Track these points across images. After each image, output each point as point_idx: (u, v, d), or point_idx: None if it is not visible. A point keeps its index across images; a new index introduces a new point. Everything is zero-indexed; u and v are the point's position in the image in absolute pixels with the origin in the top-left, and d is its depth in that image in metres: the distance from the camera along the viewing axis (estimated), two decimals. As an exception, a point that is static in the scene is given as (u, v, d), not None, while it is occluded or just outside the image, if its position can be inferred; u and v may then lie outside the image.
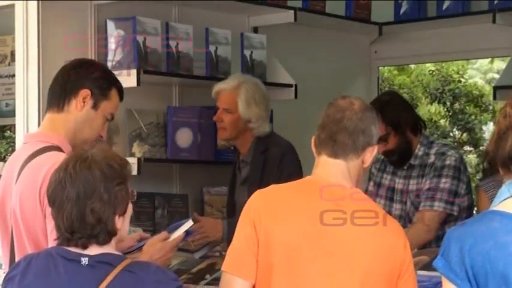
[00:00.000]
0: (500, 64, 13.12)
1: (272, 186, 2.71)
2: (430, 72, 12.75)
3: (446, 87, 12.76)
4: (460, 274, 2.13)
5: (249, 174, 4.07)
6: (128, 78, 4.02)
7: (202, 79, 4.40)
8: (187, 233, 2.95)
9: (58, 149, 2.75)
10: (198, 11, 4.62)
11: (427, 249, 3.64)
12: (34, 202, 2.64)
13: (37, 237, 2.65)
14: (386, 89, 11.89)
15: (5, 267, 2.81)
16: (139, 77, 4.01)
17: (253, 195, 2.65)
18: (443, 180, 3.93)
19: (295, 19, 4.84)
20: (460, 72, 12.99)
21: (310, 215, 2.57)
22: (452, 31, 5.41)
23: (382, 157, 4.18)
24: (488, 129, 13.18)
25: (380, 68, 6.14)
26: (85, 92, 2.82)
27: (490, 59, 13.87)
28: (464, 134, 13.06)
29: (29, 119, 4.05)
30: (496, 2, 5.08)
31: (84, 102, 2.82)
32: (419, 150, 4.04)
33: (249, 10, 4.85)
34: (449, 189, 3.93)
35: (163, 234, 2.91)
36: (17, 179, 2.73)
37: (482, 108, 12.79)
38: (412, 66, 12.58)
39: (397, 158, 4.06)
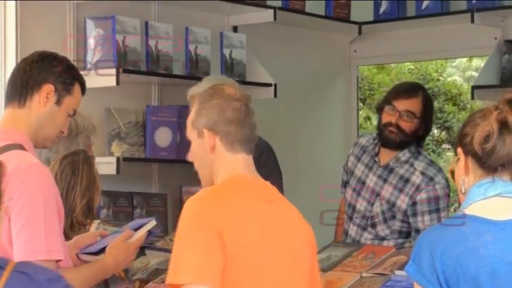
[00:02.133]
0: (478, 62, 13.18)
1: (208, 190, 2.55)
2: (409, 70, 12.80)
3: (425, 86, 12.83)
4: (431, 279, 2.13)
5: (226, 174, 4.07)
6: (107, 78, 4.02)
7: (182, 78, 4.40)
8: (150, 233, 2.90)
9: (20, 147, 2.64)
10: (178, 10, 4.61)
11: (405, 249, 3.65)
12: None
13: (2, 244, 2.53)
14: (365, 88, 11.92)
15: None
16: (119, 76, 4.00)
17: (199, 204, 2.46)
18: (443, 214, 3.85)
19: (275, 18, 4.84)
20: (439, 71, 13.05)
21: (265, 217, 2.53)
22: (431, 30, 5.43)
23: (362, 144, 4.12)
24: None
25: (359, 66, 6.15)
26: (48, 88, 2.70)
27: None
28: (443, 133, 13.12)
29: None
30: (474, 1, 5.10)
31: (47, 98, 2.70)
32: (403, 155, 3.95)
33: (228, 9, 4.85)
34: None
35: (127, 232, 2.85)
36: None
37: (460, 107, 12.85)
38: (392, 64, 12.61)
39: (397, 140, 3.93)
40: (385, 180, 3.98)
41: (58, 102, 2.72)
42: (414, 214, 3.87)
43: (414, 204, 3.87)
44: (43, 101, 2.69)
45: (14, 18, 4.01)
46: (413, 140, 3.97)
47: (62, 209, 2.65)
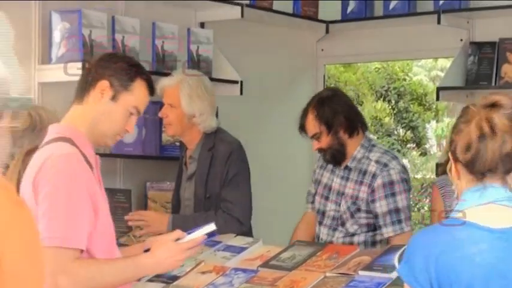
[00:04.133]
0: (444, 62, 13.26)
1: None
2: (376, 69, 12.85)
3: (391, 85, 12.88)
4: (424, 283, 2.12)
5: (195, 170, 4.07)
6: (73, 71, 3.97)
7: (148, 73, 4.36)
8: (208, 235, 2.78)
9: (68, 140, 2.64)
10: (145, 4, 4.58)
11: (368, 249, 3.66)
12: (29, 188, 2.59)
13: None
14: (332, 85, 11.95)
15: None
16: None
17: None
18: (398, 198, 3.91)
19: (242, 15, 4.83)
20: (405, 71, 13.12)
21: None
22: (398, 31, 5.46)
23: None
24: (431, 127, 13.31)
25: (326, 65, 6.16)
26: (103, 83, 2.71)
27: (434, 57, 14.00)
28: (408, 132, 13.19)
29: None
30: (441, 2, 5.13)
31: (102, 93, 2.71)
32: (358, 152, 3.99)
33: (196, 5, 4.83)
34: (407, 205, 3.95)
35: (176, 233, 2.77)
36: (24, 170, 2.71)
37: (425, 107, 12.93)
38: (358, 63, 12.66)
39: (330, 158, 4.02)
40: (347, 179, 4.02)
41: (114, 98, 2.72)
42: (373, 200, 3.92)
43: (373, 191, 3.92)
44: (98, 96, 2.71)
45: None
46: (340, 144, 3.98)
47: (103, 201, 2.69)
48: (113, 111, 2.72)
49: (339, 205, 4.02)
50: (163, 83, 4.06)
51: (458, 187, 2.23)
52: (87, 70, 2.80)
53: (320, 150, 4.02)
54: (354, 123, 4.02)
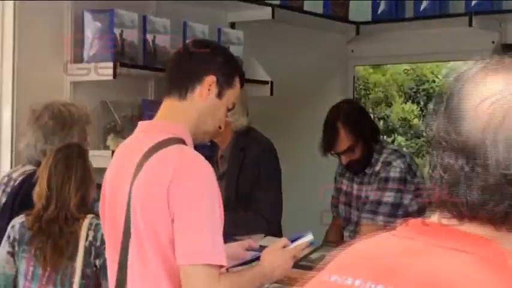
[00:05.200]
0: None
1: None
2: (405, 71, 12.80)
3: (420, 87, 12.82)
4: None
5: (227, 170, 4.07)
6: (104, 71, 4.01)
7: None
8: (309, 244, 2.79)
9: (181, 141, 2.43)
10: (176, 5, 4.60)
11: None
12: (161, 204, 2.31)
13: (163, 245, 2.32)
14: (361, 87, 11.92)
15: (110, 284, 2.47)
16: (116, 69, 3.99)
17: None
18: (387, 194, 3.93)
19: (273, 16, 4.84)
20: (435, 73, 13.04)
21: None
22: (429, 32, 5.43)
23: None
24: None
25: (356, 66, 6.15)
26: (211, 79, 2.50)
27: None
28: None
29: (2, 116, 4.04)
30: (473, 4, 5.10)
31: (209, 90, 2.50)
32: (373, 159, 4.02)
33: (227, 6, 4.85)
34: (392, 203, 3.93)
35: (283, 240, 2.70)
36: (136, 173, 2.38)
37: (455, 109, 12.85)
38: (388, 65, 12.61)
39: (361, 168, 4.03)
40: (363, 183, 4.07)
41: (219, 95, 2.53)
42: (376, 189, 3.98)
43: (373, 183, 3.99)
44: (205, 93, 2.50)
45: (12, 13, 4.00)
46: (370, 151, 4.00)
47: (222, 210, 2.41)
48: (217, 108, 2.54)
49: (361, 211, 4.05)
50: None
51: None
52: (185, 61, 2.54)
53: (351, 163, 4.00)
54: (377, 129, 4.09)
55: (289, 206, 4.28)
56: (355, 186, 4.10)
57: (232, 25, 4.97)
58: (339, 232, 4.26)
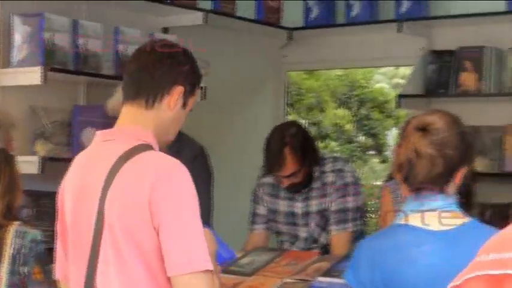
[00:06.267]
0: (405, 70, 13.35)
1: None
2: (338, 77, 12.91)
3: (352, 92, 12.95)
4: (369, 286, 2.15)
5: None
6: (32, 76, 3.96)
7: (110, 78, 4.36)
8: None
9: (152, 148, 2.34)
10: (108, 9, 4.57)
11: (328, 255, 3.69)
12: (142, 213, 2.22)
13: (146, 255, 2.24)
14: (294, 93, 11.98)
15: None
16: (46, 74, 3.94)
17: None
18: (350, 199, 3.99)
19: (205, 21, 4.84)
20: (367, 78, 13.20)
21: None
22: (360, 38, 5.50)
23: (269, 182, 4.14)
24: (392, 135, 13.40)
25: (289, 72, 6.18)
26: (179, 90, 2.39)
27: (396, 65, 14.09)
28: (369, 139, 13.27)
29: None
30: (402, 11, 5.18)
31: (176, 100, 2.39)
32: (316, 172, 4.02)
33: (159, 10, 4.83)
34: (356, 207, 4.00)
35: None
36: (108, 181, 2.29)
37: (386, 114, 13.02)
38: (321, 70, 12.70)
39: (301, 188, 4.03)
40: (309, 198, 4.07)
41: (184, 104, 2.43)
42: (337, 198, 4.00)
43: (331, 194, 4.00)
44: (173, 104, 2.39)
45: None
46: (311, 171, 4.00)
47: None
48: (180, 118, 2.45)
49: (309, 225, 4.08)
50: (113, 102, 3.93)
51: (403, 192, 2.30)
52: (153, 67, 2.40)
53: (293, 185, 3.98)
54: (319, 153, 4.08)
55: (220, 210, 4.28)
56: (299, 204, 4.08)
57: (165, 30, 4.96)
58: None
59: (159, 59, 2.42)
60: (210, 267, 2.21)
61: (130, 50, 4.47)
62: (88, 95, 4.52)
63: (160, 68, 2.40)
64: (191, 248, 2.20)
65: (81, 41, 4.26)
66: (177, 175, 2.27)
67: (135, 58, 2.48)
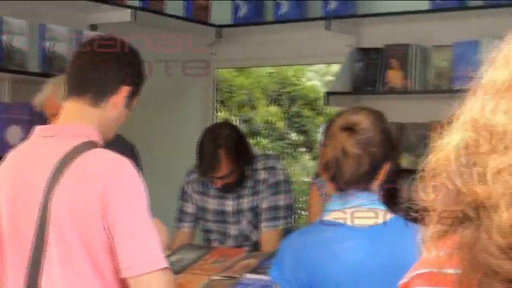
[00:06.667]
0: (337, 67, 13.43)
1: None
2: (268, 74, 12.95)
3: (283, 90, 13.00)
4: (294, 283, 2.17)
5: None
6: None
7: (36, 75, 4.30)
8: None
9: (98, 146, 2.33)
10: (34, 5, 4.51)
11: (255, 252, 3.70)
12: (93, 213, 2.19)
13: (96, 255, 2.21)
14: (225, 90, 11.97)
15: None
16: (-31, 71, 3.88)
17: None
18: (281, 197, 3.99)
19: (134, 18, 4.81)
20: (298, 76, 13.26)
21: None
22: (289, 36, 5.52)
23: (197, 178, 4.13)
24: (322, 132, 13.47)
25: (219, 69, 6.18)
26: (126, 90, 2.40)
27: (327, 62, 14.19)
28: (300, 136, 13.34)
29: None
30: (330, 8, 5.23)
31: (121, 100, 2.41)
32: (248, 170, 4.02)
33: (87, 7, 4.78)
34: (287, 205, 4.02)
35: None
36: (54, 180, 2.24)
37: (317, 112, 13.10)
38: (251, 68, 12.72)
39: (236, 187, 4.02)
40: (241, 197, 4.06)
41: (128, 104, 2.45)
42: (261, 200, 4.00)
43: (263, 191, 3.99)
44: (119, 104, 2.41)
45: None
46: (244, 173, 4.01)
47: None
48: (123, 117, 2.48)
49: (241, 223, 4.08)
50: (40, 99, 3.88)
51: (328, 189, 2.32)
52: (103, 66, 2.40)
53: (225, 184, 3.97)
54: (252, 153, 4.07)
55: (151, 210, 4.26)
56: (230, 202, 4.08)
57: (93, 27, 4.91)
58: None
59: (107, 57, 2.42)
60: (167, 264, 2.20)
61: (58, 47, 4.44)
62: (13, 92, 4.46)
63: (107, 67, 2.40)
64: (147, 247, 2.19)
65: (5, 37, 4.20)
66: (128, 173, 2.26)
67: (82, 54, 2.46)
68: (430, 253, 0.98)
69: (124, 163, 2.27)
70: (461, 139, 0.91)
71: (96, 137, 2.35)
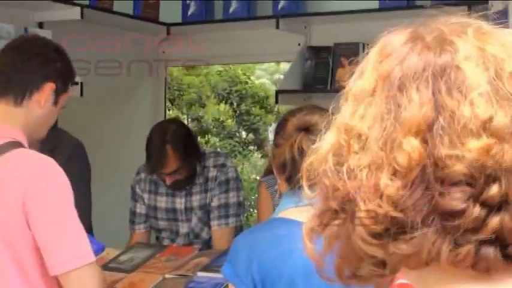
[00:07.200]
0: (286, 66, 13.49)
1: None
2: (218, 72, 12.95)
3: (233, 88, 13.01)
4: (247, 281, 2.17)
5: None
6: None
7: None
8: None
9: (22, 146, 2.31)
10: (-20, 3, 4.45)
11: (207, 250, 3.70)
12: (15, 212, 2.18)
13: (22, 257, 2.21)
14: (175, 88, 11.95)
15: None
16: None
17: None
18: (231, 194, 4.00)
19: (82, 16, 4.77)
20: (247, 74, 13.28)
21: None
22: (238, 34, 5.53)
23: (147, 177, 4.13)
24: (272, 130, 13.52)
25: (169, 67, 6.16)
26: (50, 87, 2.39)
27: (276, 61, 14.24)
28: (250, 135, 13.37)
29: None
30: (280, 7, 5.24)
31: (47, 98, 2.39)
32: (198, 167, 4.02)
33: (34, 5, 4.73)
34: (238, 202, 4.03)
35: None
36: None
37: (267, 110, 13.14)
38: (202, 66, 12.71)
39: (184, 185, 4.02)
40: (191, 194, 4.06)
41: (55, 102, 2.42)
42: (220, 193, 4.00)
43: (213, 189, 4.01)
44: (43, 101, 2.38)
45: None
46: (194, 170, 4.01)
47: None
48: (52, 115, 2.45)
49: (190, 221, 4.07)
50: None
51: (280, 188, 2.32)
52: (22, 64, 2.38)
53: (175, 181, 3.96)
54: (200, 149, 4.07)
55: (99, 207, 4.24)
56: (181, 200, 4.07)
57: (40, 25, 4.86)
58: None
59: (29, 55, 2.40)
60: (94, 258, 2.21)
61: (4, 45, 4.37)
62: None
63: (29, 65, 2.37)
64: (73, 243, 2.20)
65: (-52, 36, 4.14)
66: (51, 172, 2.25)
67: (4, 54, 2.45)
68: (311, 244, 1.15)
69: (46, 161, 2.26)
70: (336, 141, 1.05)
71: (20, 137, 2.33)
